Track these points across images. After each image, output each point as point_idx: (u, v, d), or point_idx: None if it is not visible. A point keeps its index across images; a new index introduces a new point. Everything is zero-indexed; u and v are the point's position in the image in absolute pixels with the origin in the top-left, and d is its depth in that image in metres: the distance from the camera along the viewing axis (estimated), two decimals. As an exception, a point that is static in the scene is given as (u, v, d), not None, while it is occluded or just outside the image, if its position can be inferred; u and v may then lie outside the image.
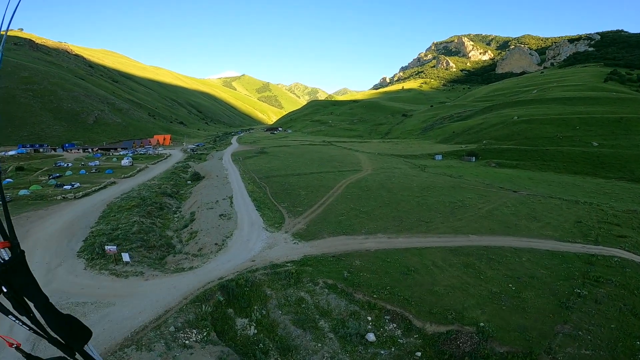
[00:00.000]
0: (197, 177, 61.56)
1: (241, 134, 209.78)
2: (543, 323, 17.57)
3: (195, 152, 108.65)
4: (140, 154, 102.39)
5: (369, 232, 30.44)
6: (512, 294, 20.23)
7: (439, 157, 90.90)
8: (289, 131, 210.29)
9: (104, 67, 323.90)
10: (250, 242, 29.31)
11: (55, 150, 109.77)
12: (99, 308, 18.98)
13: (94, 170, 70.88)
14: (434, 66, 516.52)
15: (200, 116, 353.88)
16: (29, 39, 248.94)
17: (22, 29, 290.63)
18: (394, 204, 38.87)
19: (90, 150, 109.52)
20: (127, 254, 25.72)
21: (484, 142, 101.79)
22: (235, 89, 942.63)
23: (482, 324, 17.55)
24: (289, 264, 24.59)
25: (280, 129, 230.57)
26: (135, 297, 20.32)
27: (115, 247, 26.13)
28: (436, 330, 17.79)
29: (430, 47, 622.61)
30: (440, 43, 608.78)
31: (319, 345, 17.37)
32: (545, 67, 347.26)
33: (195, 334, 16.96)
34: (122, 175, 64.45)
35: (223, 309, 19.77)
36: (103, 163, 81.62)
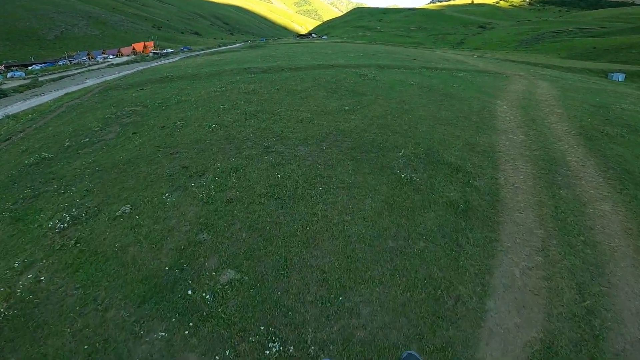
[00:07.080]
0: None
1: (262, 41, 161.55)
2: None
3: (162, 55, 76.15)
4: (59, 64, 73.31)
5: None
6: None
7: (620, 76, 42.40)
8: (325, 37, 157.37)
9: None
10: None
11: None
12: None
13: None
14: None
15: (226, 27, 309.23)
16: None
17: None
18: None
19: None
20: None
21: None
22: (272, 3, 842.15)
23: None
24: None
25: (314, 35, 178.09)
26: None
27: None
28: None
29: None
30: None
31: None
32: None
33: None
34: None
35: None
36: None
